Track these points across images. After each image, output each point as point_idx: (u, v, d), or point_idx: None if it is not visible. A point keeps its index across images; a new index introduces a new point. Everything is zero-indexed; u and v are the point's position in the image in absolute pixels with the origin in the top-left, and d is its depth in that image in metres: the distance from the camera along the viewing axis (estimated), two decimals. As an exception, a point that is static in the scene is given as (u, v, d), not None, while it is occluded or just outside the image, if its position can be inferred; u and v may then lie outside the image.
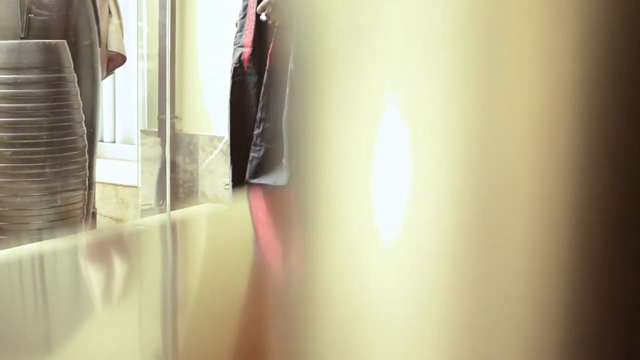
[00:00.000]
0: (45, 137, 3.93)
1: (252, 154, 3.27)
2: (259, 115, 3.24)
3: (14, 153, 3.89)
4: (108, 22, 4.83)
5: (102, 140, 5.46)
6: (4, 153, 3.89)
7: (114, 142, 6.32)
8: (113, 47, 4.84)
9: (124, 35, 4.94)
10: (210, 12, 4.94)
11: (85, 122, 4.17)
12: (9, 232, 3.98)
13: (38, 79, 3.94)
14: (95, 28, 4.48)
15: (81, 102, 4.13)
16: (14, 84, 3.90)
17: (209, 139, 4.87)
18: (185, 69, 4.97)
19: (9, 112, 3.90)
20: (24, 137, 3.90)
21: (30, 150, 3.91)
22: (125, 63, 4.94)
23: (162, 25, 4.97)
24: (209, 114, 4.91)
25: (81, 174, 4.12)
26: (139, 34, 5.18)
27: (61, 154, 3.99)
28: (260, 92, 3.24)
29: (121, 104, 6.27)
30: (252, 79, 3.28)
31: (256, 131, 3.25)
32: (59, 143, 3.98)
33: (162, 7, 5.03)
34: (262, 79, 3.23)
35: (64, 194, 4.02)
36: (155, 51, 5.04)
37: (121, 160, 6.07)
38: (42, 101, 3.94)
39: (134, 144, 6.20)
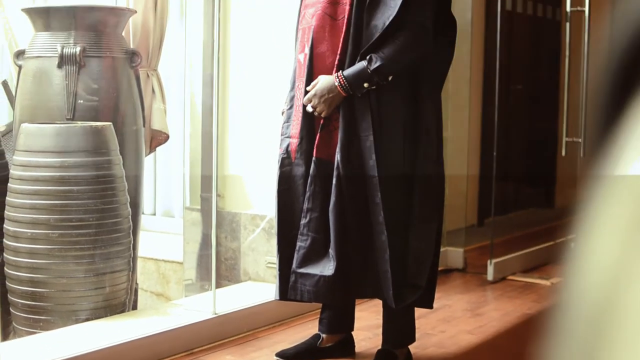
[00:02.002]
0: (91, 219, 3.97)
1: (299, 244, 3.29)
2: (306, 205, 3.27)
3: (60, 235, 3.93)
4: (152, 101, 4.89)
5: (142, 213, 5.50)
6: (51, 235, 3.93)
7: (154, 214, 6.38)
8: (156, 125, 4.90)
9: (167, 114, 5.01)
10: (252, 91, 4.99)
11: (129, 203, 4.21)
12: (54, 312, 4.01)
13: (85, 162, 3.99)
14: (141, 114, 4.54)
15: (126, 184, 4.18)
16: (61, 167, 3.95)
17: (251, 217, 4.90)
18: (227, 147, 5.02)
19: (56, 195, 3.94)
20: (71, 220, 3.94)
21: (76, 232, 3.95)
22: (168, 140, 5.00)
23: (205, 104, 5.03)
24: (251, 193, 4.94)
25: (126, 255, 4.16)
26: (184, 112, 5.24)
27: (107, 236, 4.03)
28: (307, 182, 3.28)
29: (162, 177, 6.33)
30: (299, 170, 3.31)
31: (303, 221, 3.28)
32: (104, 225, 4.02)
33: (205, 84, 5.09)
34: (309, 169, 3.26)
35: (109, 275, 4.05)
36: (198, 129, 5.09)
37: (161, 233, 6.12)
38: (88, 184, 3.98)
39: (174, 217, 6.26)
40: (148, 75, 4.90)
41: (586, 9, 5.87)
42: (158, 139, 4.96)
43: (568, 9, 5.90)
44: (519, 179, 8.00)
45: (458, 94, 5.96)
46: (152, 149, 5.01)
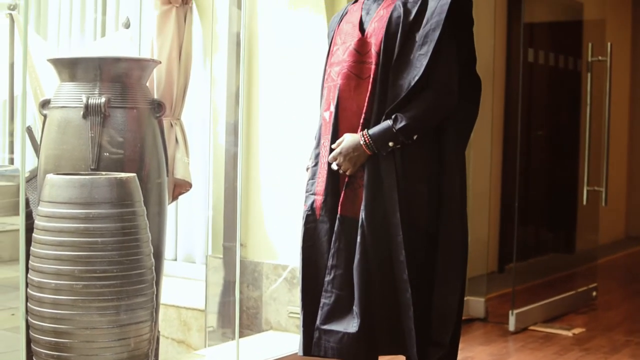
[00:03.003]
0: (115, 270, 3.98)
1: (323, 300, 3.30)
2: (330, 262, 3.28)
3: (84, 287, 3.94)
4: (175, 150, 4.92)
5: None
6: (75, 286, 3.94)
7: (176, 259, 6.39)
8: (179, 174, 4.92)
9: (190, 162, 5.03)
10: (274, 142, 5.01)
11: (152, 253, 4.22)
12: (77, 363, 4.02)
13: (109, 214, 4.00)
14: (164, 166, 4.56)
15: (150, 234, 4.19)
16: (86, 218, 3.96)
17: (273, 267, 4.92)
18: (250, 196, 5.04)
19: (80, 247, 3.95)
20: (95, 271, 3.95)
21: (100, 284, 3.95)
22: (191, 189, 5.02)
23: (228, 152, 5.05)
24: (274, 242, 4.95)
25: (149, 306, 4.16)
26: (208, 160, 5.26)
27: (130, 287, 4.03)
28: (331, 239, 3.29)
29: (183, 223, 6.34)
30: (324, 227, 3.33)
31: (327, 278, 3.29)
32: (128, 276, 4.02)
33: (228, 133, 5.11)
34: (334, 226, 3.28)
35: (132, 326, 4.05)
36: (221, 178, 5.12)
37: (182, 279, 6.13)
38: (113, 235, 3.99)
39: (195, 263, 6.27)
40: (172, 125, 4.93)
41: (607, 58, 5.89)
42: (180, 188, 4.99)
43: (589, 59, 5.92)
44: (539, 225, 7.98)
45: (479, 141, 5.97)
46: (174, 197, 5.03)
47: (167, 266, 5.93)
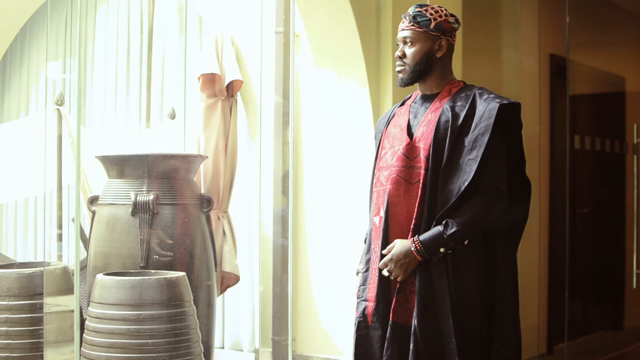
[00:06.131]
0: (166, 372, 3.99)
1: (376, 406, 3.28)
2: (382, 368, 3.27)
3: (135, 389, 3.95)
4: (222, 243, 4.94)
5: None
6: (125, 389, 3.95)
7: (223, 347, 6.37)
8: (227, 267, 4.93)
9: (237, 254, 5.04)
10: (322, 232, 5.01)
11: (202, 353, 4.23)
12: None
13: (160, 315, 4.02)
14: (213, 269, 4.57)
15: (200, 334, 4.19)
16: (137, 320, 3.98)
17: (322, 361, 4.91)
18: (299, 289, 5.03)
19: (131, 349, 3.96)
20: (145, 373, 3.96)
21: (151, 386, 3.96)
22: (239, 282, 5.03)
23: (275, 244, 5.05)
24: (324, 337, 4.94)
25: (200, 408, 4.16)
26: (259, 254, 5.27)
27: (181, 389, 4.04)
28: (384, 346, 3.27)
29: (230, 310, 6.33)
30: (375, 333, 3.32)
31: (381, 383, 3.28)
32: (179, 378, 4.03)
33: (275, 223, 5.12)
34: (386, 333, 3.26)
35: None
36: (269, 270, 5.11)
37: (230, 367, 6.11)
38: (163, 337, 4.00)
39: (242, 350, 6.24)
40: (219, 217, 4.96)
41: (653, 139, 5.87)
42: (229, 281, 4.99)
43: (635, 140, 5.90)
44: (586, 303, 7.90)
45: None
46: (222, 290, 5.04)
47: (215, 354, 5.91)
